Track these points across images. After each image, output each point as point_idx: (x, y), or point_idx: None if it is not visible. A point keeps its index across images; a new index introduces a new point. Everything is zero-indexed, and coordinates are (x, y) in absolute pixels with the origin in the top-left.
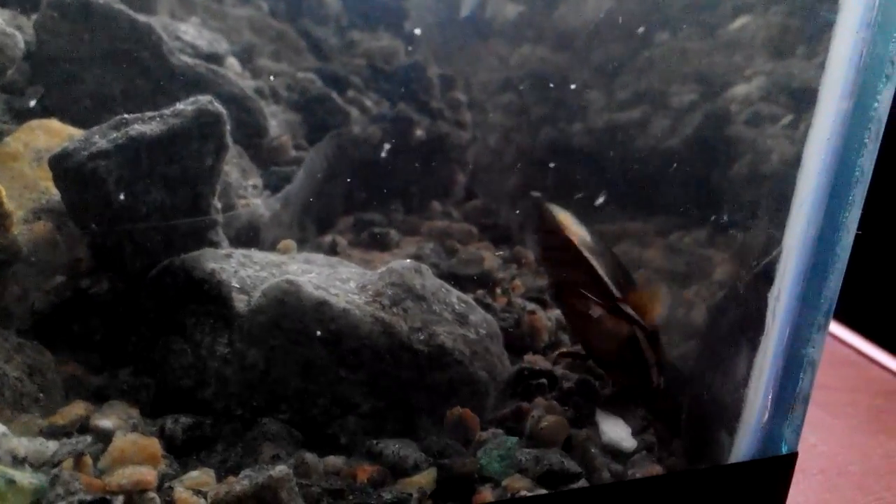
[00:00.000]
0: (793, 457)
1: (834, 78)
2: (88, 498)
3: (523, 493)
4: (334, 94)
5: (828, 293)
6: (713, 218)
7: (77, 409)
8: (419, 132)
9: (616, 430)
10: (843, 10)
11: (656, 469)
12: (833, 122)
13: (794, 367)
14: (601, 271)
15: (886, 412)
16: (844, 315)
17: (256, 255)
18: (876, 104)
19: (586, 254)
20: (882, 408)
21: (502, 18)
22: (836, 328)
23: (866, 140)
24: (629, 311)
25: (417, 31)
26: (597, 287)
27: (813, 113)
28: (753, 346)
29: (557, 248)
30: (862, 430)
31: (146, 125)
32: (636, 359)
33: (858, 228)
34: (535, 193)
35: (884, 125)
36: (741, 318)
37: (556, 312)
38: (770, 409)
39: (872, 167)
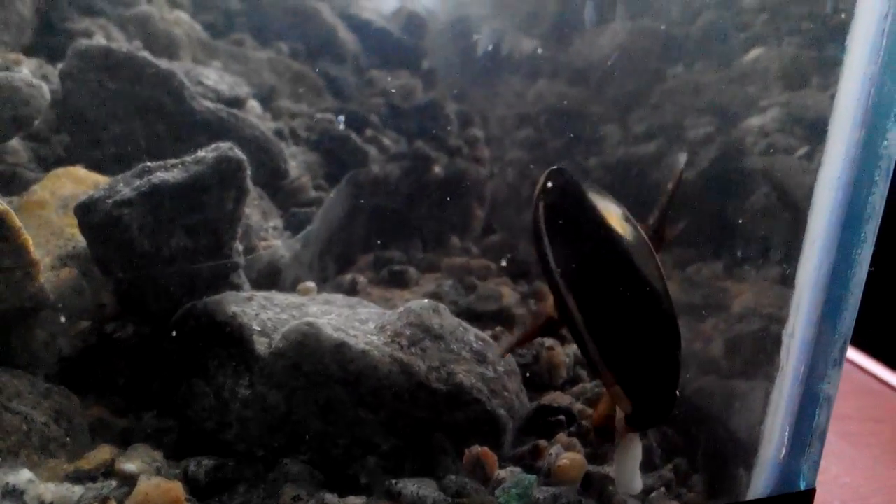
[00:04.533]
0: (811, 493)
1: (843, 115)
2: None
3: None
4: (353, 134)
5: (842, 329)
6: (730, 250)
7: (103, 453)
8: (437, 169)
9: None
10: (851, 47)
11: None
12: (843, 159)
13: (810, 404)
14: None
15: None
16: (865, 343)
17: (277, 297)
18: (886, 142)
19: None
20: None
21: (519, 54)
22: (857, 356)
23: (876, 178)
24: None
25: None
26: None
27: (824, 149)
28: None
29: None
30: (884, 460)
31: (168, 172)
32: None
33: (876, 261)
34: None
35: (894, 162)
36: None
37: (573, 348)
38: (787, 446)
39: (883, 204)
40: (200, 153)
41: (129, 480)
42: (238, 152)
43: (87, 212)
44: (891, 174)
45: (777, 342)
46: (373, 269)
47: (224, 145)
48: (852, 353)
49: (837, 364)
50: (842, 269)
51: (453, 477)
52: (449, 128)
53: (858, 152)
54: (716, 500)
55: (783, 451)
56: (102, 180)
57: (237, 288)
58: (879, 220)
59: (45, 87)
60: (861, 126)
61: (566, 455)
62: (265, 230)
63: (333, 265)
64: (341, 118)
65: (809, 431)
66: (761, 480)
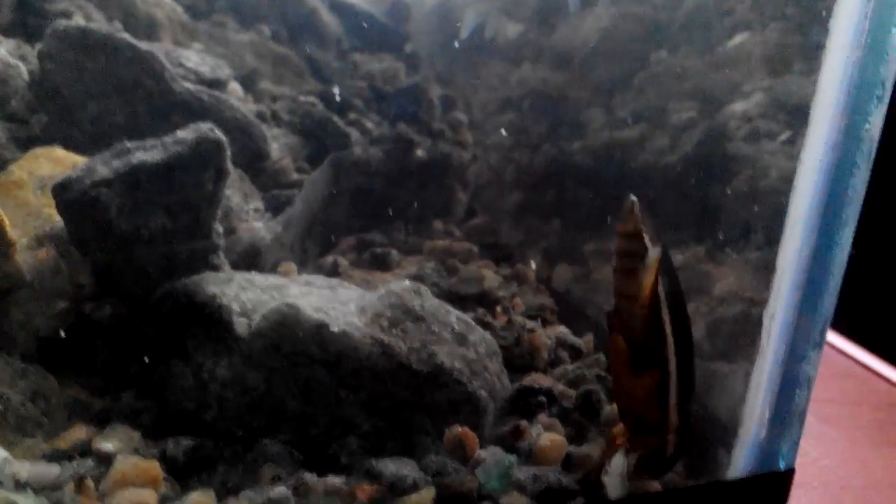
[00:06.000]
0: (790, 472)
1: (826, 99)
2: None
3: None
4: (335, 117)
5: (823, 311)
6: (711, 234)
7: (79, 432)
8: (420, 152)
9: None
10: (833, 31)
11: (654, 486)
12: (825, 143)
13: (791, 385)
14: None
15: (888, 424)
16: (846, 327)
17: (257, 278)
18: (867, 125)
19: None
20: (884, 420)
21: (503, 39)
22: (838, 340)
23: (858, 160)
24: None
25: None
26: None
27: (806, 133)
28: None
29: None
30: (864, 442)
31: (147, 153)
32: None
33: (857, 244)
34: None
35: (876, 145)
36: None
37: (555, 330)
38: (767, 426)
39: (865, 187)
40: (180, 134)
41: (107, 460)
42: (218, 133)
43: (64, 192)
44: (873, 157)
45: (758, 324)
46: (354, 251)
47: (204, 126)
48: (833, 337)
49: (818, 346)
50: (823, 251)
51: (434, 457)
52: (432, 111)
53: (840, 135)
54: (696, 479)
55: (763, 432)
56: (81, 161)
57: (217, 269)
58: (861, 202)
59: (23, 68)
60: (844, 109)
61: (547, 436)
62: (246, 212)
63: (315, 247)
64: (337, 89)
65: (789, 412)
66: (741, 460)
